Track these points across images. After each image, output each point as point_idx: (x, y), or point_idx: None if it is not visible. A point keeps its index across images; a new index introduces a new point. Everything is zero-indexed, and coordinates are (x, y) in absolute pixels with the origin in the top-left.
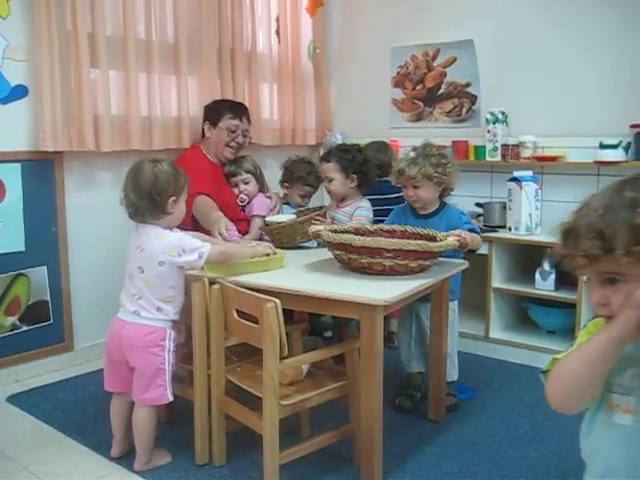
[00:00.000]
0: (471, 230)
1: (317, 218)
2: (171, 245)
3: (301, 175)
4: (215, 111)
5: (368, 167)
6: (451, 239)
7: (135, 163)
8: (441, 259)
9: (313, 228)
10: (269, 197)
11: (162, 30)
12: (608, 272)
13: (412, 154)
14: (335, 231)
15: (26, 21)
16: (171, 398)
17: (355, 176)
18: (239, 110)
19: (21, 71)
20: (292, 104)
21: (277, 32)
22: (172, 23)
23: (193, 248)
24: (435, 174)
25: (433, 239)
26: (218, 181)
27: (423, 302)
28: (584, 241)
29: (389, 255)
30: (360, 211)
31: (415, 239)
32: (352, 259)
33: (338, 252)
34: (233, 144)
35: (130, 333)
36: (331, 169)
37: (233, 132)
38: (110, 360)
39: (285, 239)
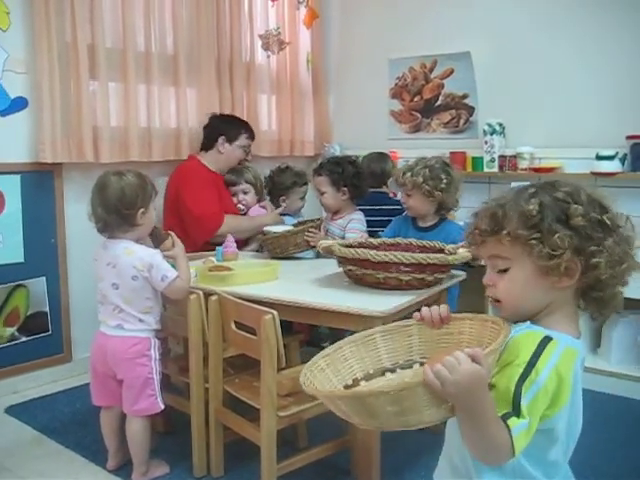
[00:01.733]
0: None
1: (310, 230)
2: (140, 260)
3: (293, 180)
4: (233, 126)
5: (360, 179)
6: (462, 251)
7: (100, 177)
8: None
9: (324, 244)
10: (264, 207)
11: (161, 42)
12: (494, 254)
13: (412, 162)
14: (348, 246)
15: (26, 33)
16: (162, 406)
17: (346, 189)
18: (252, 130)
19: (21, 83)
20: (290, 115)
21: (266, 48)
22: (171, 35)
23: (160, 268)
24: (425, 185)
25: (441, 251)
26: (219, 189)
27: None
28: (480, 219)
29: (407, 269)
30: (352, 224)
31: (422, 252)
32: (367, 274)
33: (351, 267)
34: (243, 161)
35: (115, 346)
36: (322, 182)
37: (246, 151)
38: (96, 375)
39: (278, 249)
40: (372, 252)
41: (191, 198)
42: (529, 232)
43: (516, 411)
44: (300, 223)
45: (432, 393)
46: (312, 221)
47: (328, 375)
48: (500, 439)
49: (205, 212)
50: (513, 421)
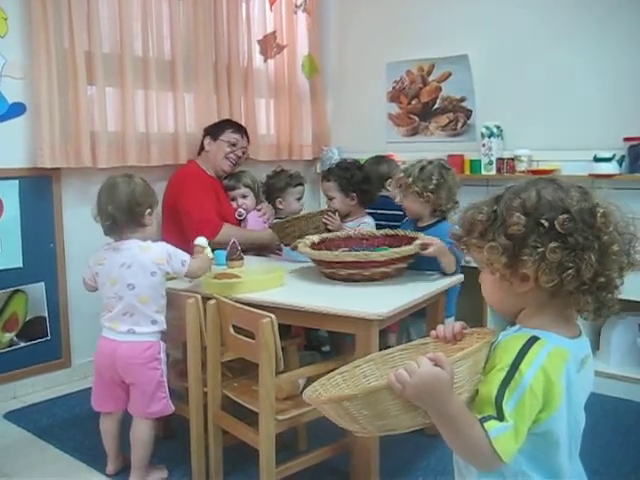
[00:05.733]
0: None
1: (329, 214)
2: (158, 254)
3: (286, 181)
4: (217, 127)
5: (369, 184)
6: (417, 242)
7: (108, 179)
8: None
9: (297, 243)
10: (260, 209)
11: (159, 47)
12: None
13: (408, 164)
14: (317, 243)
15: (24, 39)
16: (173, 408)
17: (354, 194)
18: (240, 127)
19: (19, 89)
20: (288, 119)
21: (264, 52)
22: (169, 40)
23: (177, 255)
24: (415, 186)
25: (412, 240)
26: (218, 195)
27: (415, 317)
28: (454, 227)
29: (372, 266)
30: (363, 226)
31: (399, 243)
32: (339, 272)
33: (322, 266)
34: (232, 156)
35: (126, 352)
36: (331, 188)
37: (233, 145)
38: (102, 381)
39: (297, 233)
40: (334, 253)
41: (191, 202)
42: (477, 240)
43: (499, 414)
44: (309, 214)
45: (401, 397)
46: (320, 212)
47: (343, 390)
48: (479, 442)
49: (204, 217)
50: (491, 424)
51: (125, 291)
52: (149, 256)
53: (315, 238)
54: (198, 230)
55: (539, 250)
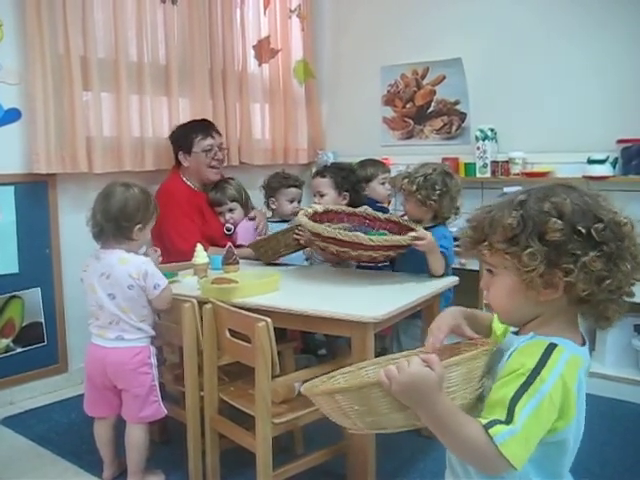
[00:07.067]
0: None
1: (299, 227)
2: (136, 268)
3: (279, 181)
4: (184, 138)
5: (360, 187)
6: (411, 234)
7: (107, 185)
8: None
9: (299, 215)
10: (252, 218)
11: (154, 52)
12: (484, 261)
13: (412, 168)
14: (315, 214)
15: (19, 45)
16: (165, 412)
17: (347, 194)
18: (206, 128)
19: (14, 94)
20: (284, 123)
21: (258, 57)
22: (163, 45)
23: (154, 276)
24: (418, 194)
25: (411, 229)
26: (202, 210)
27: (409, 320)
28: (467, 229)
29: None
30: None
31: (400, 230)
32: (342, 252)
33: (323, 244)
34: (214, 163)
35: (117, 358)
36: (325, 184)
37: (210, 151)
38: (94, 387)
39: (270, 252)
40: (329, 228)
41: (173, 229)
42: (506, 245)
43: (508, 416)
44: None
45: (391, 395)
46: (290, 229)
47: None
48: (472, 442)
49: (186, 246)
50: (497, 429)
51: (106, 300)
52: (126, 269)
53: (319, 208)
54: (180, 257)
55: (582, 259)
